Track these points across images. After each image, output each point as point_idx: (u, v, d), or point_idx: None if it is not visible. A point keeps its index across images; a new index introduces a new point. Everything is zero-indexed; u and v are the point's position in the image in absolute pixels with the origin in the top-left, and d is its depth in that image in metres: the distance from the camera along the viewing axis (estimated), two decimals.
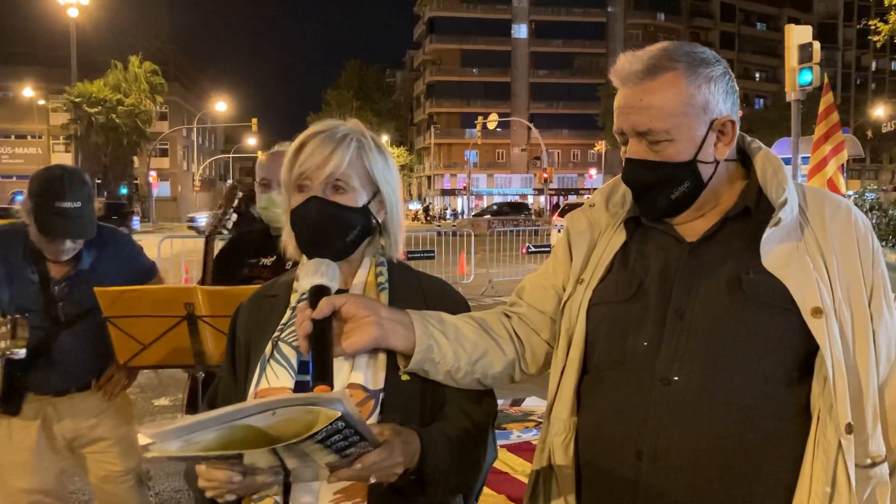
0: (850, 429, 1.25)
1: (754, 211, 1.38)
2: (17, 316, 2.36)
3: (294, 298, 1.48)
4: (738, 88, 1.43)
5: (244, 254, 2.75)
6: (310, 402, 1.07)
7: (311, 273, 1.36)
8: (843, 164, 8.65)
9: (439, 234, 16.86)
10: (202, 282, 2.86)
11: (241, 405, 1.08)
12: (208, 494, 1.23)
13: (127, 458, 2.78)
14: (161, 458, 1.12)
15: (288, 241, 1.50)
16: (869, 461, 1.30)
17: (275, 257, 2.63)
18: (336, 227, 1.44)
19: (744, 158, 1.47)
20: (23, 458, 2.63)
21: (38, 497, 2.65)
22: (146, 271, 2.85)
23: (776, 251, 1.32)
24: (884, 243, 9.63)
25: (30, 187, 2.50)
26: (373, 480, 1.24)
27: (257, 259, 2.70)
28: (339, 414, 1.05)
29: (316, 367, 1.27)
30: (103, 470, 2.76)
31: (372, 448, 1.19)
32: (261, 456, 1.14)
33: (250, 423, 1.09)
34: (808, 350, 1.28)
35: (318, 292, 1.33)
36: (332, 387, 1.28)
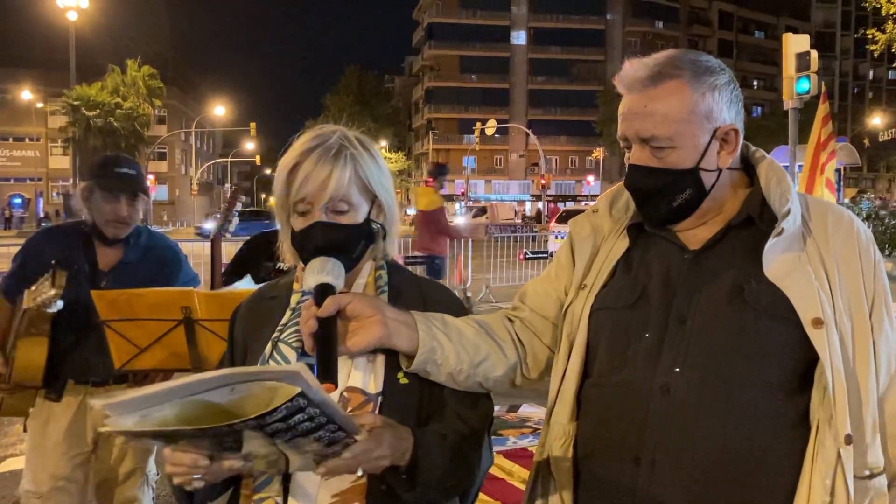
0: (849, 440, 1.25)
1: (757, 220, 1.39)
2: (58, 267, 2.44)
3: (294, 299, 1.48)
4: (742, 97, 1.43)
5: (260, 256, 2.78)
6: (267, 377, 1.03)
7: (316, 271, 1.35)
8: (837, 170, 8.69)
9: None
10: (211, 284, 2.88)
11: (198, 376, 1.02)
12: (175, 481, 1.19)
13: (140, 456, 2.83)
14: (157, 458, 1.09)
15: (287, 253, 1.51)
16: (867, 472, 1.29)
17: None
18: (342, 248, 1.43)
19: (748, 167, 1.47)
20: (53, 443, 2.71)
21: (62, 483, 2.71)
22: (189, 281, 2.94)
23: (778, 261, 1.32)
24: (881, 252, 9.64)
25: (86, 171, 2.85)
26: (360, 472, 1.23)
27: (275, 262, 2.72)
28: (299, 390, 0.99)
29: (320, 366, 1.26)
30: (115, 465, 2.80)
31: (351, 438, 1.15)
32: (260, 444, 1.11)
33: (209, 398, 1.04)
34: (809, 360, 1.28)
35: (323, 290, 1.33)
36: (336, 386, 1.27)
